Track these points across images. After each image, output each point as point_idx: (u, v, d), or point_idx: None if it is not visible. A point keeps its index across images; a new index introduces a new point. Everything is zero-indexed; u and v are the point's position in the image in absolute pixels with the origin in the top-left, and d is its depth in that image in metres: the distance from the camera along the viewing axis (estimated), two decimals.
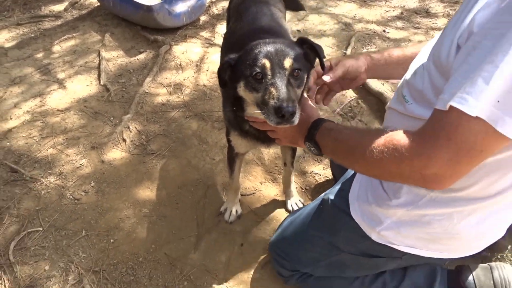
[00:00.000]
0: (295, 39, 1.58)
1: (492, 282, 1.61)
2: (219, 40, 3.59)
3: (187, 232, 2.17)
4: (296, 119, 1.31)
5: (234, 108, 1.59)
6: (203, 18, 3.87)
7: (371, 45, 3.47)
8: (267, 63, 1.35)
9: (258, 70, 1.34)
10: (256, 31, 1.91)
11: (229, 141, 1.89)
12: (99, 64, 3.30)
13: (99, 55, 3.41)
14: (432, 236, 1.39)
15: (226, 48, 2.11)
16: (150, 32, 3.58)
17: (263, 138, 1.69)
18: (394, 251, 1.49)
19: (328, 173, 2.48)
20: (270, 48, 1.38)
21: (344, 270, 1.72)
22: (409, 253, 1.47)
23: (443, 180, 1.04)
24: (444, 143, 0.99)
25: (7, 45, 3.71)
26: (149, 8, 3.36)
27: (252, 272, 2.01)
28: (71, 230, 2.17)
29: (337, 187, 1.73)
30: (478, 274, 1.63)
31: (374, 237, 1.49)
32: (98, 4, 4.05)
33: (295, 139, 1.51)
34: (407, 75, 1.37)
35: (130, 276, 1.99)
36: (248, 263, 2.05)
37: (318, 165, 2.54)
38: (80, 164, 2.50)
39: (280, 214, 2.27)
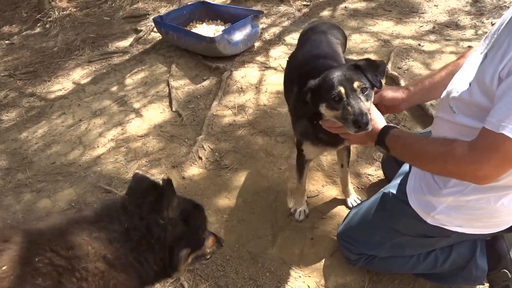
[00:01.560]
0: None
1: None
2: (273, 63, 3.95)
3: (264, 232, 2.48)
4: (370, 127, 1.67)
5: (315, 122, 1.94)
6: (257, 44, 4.26)
7: (408, 59, 3.73)
8: (342, 89, 1.72)
9: (335, 95, 1.72)
10: (313, 57, 2.28)
11: (301, 150, 2.24)
12: (169, 93, 3.73)
13: (168, 84, 3.85)
14: (476, 217, 1.70)
15: (289, 70, 2.45)
16: (211, 61, 4.00)
17: (332, 142, 2.07)
18: (446, 231, 1.79)
19: (379, 174, 2.76)
20: (341, 76, 1.75)
21: (404, 250, 2.01)
22: (457, 232, 1.76)
23: (490, 179, 1.40)
24: (493, 154, 1.34)
25: (83, 81, 4.21)
26: (212, 40, 3.77)
27: (323, 260, 2.30)
28: None
29: (395, 182, 2.02)
30: (510, 240, 1.94)
31: (429, 220, 1.78)
32: (161, 37, 4.52)
33: (365, 141, 1.83)
34: (452, 90, 1.64)
35: (220, 272, 2.31)
36: (319, 253, 2.34)
37: (370, 167, 2.82)
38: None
39: (341, 211, 2.56)
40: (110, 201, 1.50)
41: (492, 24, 3.73)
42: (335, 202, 2.63)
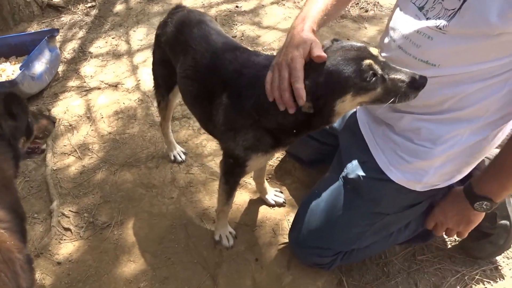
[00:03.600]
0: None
1: None
2: (92, 83, 3.29)
3: (199, 279, 2.01)
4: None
5: (295, 131, 1.54)
6: (60, 68, 3.48)
7: (236, 24, 3.53)
8: (373, 63, 1.32)
9: (371, 72, 1.31)
10: (224, 55, 1.74)
11: (243, 167, 1.75)
12: None
13: None
14: (468, 162, 1.56)
15: (197, 84, 1.83)
16: None
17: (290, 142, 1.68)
18: (435, 191, 1.63)
19: (276, 154, 2.48)
20: (355, 48, 1.37)
21: (389, 228, 1.79)
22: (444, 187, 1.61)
23: None
24: None
25: None
26: (12, 82, 2.91)
27: (283, 278, 1.96)
28: None
29: (352, 164, 1.74)
30: None
31: (419, 188, 1.59)
32: None
33: (464, 212, 1.58)
34: (415, 43, 1.43)
35: None
36: (274, 272, 1.99)
37: None
38: (38, 280, 2.14)
39: (267, 213, 2.24)
40: None
41: None
42: (253, 206, 2.28)
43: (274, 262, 2.01)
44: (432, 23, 1.37)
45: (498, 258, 1.93)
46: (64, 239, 2.29)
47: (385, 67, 1.34)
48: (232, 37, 3.30)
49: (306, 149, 2.16)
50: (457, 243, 2.01)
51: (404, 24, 1.42)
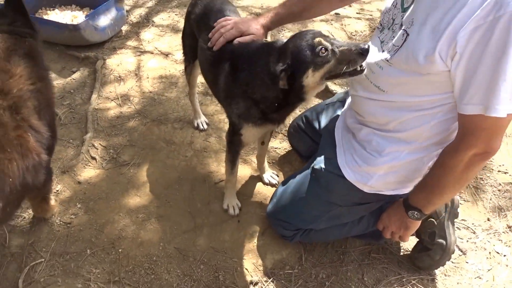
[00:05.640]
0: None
1: None
2: (148, 47, 3.71)
3: (188, 225, 2.35)
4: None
5: (277, 104, 1.87)
6: (124, 28, 3.93)
7: (284, 30, 3.86)
8: (322, 40, 1.65)
9: (320, 48, 1.64)
10: None
11: (238, 135, 2.08)
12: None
13: None
14: (409, 178, 1.84)
15: (211, 54, 2.16)
16: (77, 50, 3.57)
17: (279, 119, 2.00)
18: (380, 196, 1.91)
19: (286, 146, 2.83)
20: (309, 34, 1.70)
21: (341, 219, 2.08)
22: (390, 195, 1.90)
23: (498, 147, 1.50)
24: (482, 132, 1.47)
25: None
26: (76, 27, 3.36)
27: (255, 241, 2.28)
28: (75, 253, 2.23)
29: (320, 157, 2.05)
30: None
31: (366, 189, 1.88)
32: None
33: (403, 219, 1.87)
34: (374, 71, 1.73)
35: (150, 275, 2.13)
36: (249, 235, 2.32)
37: (275, 140, 2.88)
38: (57, 190, 2.53)
39: (260, 188, 2.57)
40: None
41: None
42: (252, 180, 2.61)
43: (253, 227, 2.34)
44: (384, 55, 1.67)
45: (437, 272, 2.18)
46: (88, 165, 2.68)
47: (333, 43, 1.66)
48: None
49: (303, 145, 2.52)
50: (408, 252, 2.27)
51: (371, 54, 1.71)
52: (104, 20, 3.58)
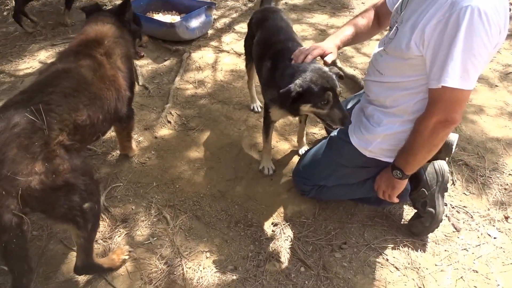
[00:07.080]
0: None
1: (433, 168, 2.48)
2: (226, 47, 4.50)
3: (230, 176, 2.99)
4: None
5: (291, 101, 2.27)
6: (210, 31, 4.78)
7: None
8: (331, 96, 2.19)
9: (325, 99, 2.18)
10: (282, 39, 2.72)
11: (268, 112, 2.72)
12: (135, 70, 4.12)
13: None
14: (398, 147, 2.24)
15: (260, 49, 2.85)
16: (170, 44, 4.46)
17: (293, 113, 2.49)
18: (379, 162, 2.37)
19: (323, 133, 3.37)
20: (329, 79, 2.21)
21: (348, 179, 2.58)
22: (388, 162, 2.33)
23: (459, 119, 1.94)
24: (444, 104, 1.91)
25: (50, 61, 4.43)
26: (172, 25, 4.25)
27: (281, 195, 2.85)
28: (144, 183, 2.95)
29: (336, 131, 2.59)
30: (425, 165, 2.47)
31: (367, 154, 2.35)
32: None
33: (390, 178, 2.28)
34: (376, 59, 2.27)
35: (196, 206, 2.78)
36: (277, 190, 2.89)
37: (315, 128, 3.44)
38: (139, 140, 3.30)
39: (294, 158, 3.14)
40: None
41: None
42: (288, 153, 3.20)
43: (281, 185, 2.92)
44: (383, 46, 2.21)
45: (429, 240, 2.56)
46: (164, 127, 3.44)
47: (335, 101, 2.19)
48: None
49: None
50: (407, 222, 2.70)
51: (375, 47, 2.23)
52: (195, 22, 4.42)
